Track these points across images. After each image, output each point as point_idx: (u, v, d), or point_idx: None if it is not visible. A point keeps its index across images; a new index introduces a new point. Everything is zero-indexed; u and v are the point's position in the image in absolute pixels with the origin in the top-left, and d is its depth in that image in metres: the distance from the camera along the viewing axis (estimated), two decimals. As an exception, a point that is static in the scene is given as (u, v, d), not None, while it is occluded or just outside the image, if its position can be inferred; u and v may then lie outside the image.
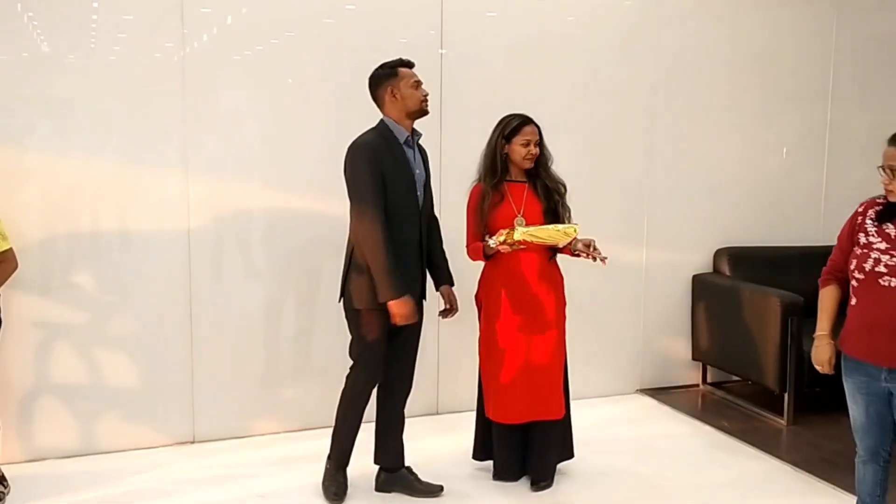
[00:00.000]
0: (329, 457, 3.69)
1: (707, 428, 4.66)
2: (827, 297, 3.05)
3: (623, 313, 5.18)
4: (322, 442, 4.21)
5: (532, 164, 3.70)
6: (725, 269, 5.21)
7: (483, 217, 3.67)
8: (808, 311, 3.17)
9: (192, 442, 4.31)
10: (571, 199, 3.80)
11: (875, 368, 2.86)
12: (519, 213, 3.67)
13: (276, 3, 4.26)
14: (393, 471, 3.74)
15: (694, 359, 5.33)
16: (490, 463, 3.90)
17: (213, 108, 4.21)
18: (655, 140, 5.12)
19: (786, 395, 4.63)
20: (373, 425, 3.73)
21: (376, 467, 3.77)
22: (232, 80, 4.24)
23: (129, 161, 4.08)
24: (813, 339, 3.06)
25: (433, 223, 3.73)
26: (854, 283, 2.91)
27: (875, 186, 2.92)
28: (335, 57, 4.37)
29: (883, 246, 2.84)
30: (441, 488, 3.73)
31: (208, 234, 4.25)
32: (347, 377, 3.61)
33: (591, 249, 3.60)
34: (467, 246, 3.75)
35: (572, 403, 3.91)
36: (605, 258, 3.62)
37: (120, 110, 4.05)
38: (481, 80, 4.65)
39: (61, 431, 4.09)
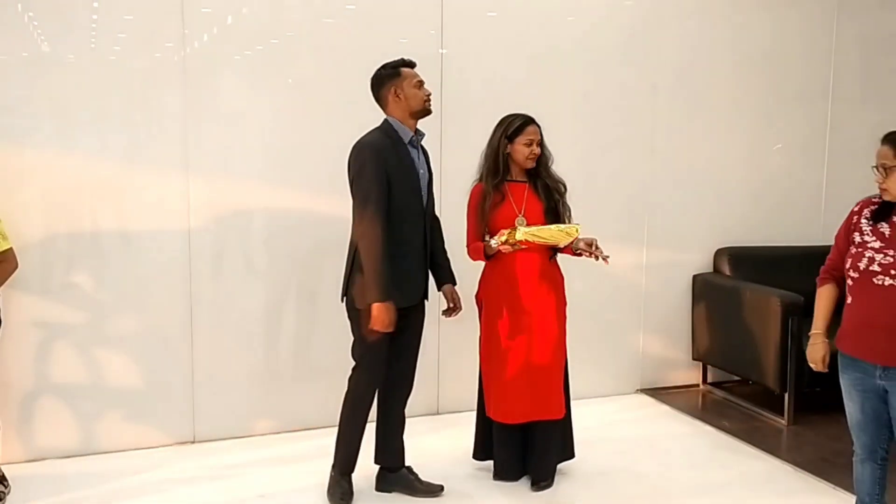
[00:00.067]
0: (333, 465, 3.65)
1: (707, 428, 4.66)
2: (823, 297, 3.08)
3: (623, 313, 5.18)
4: (322, 442, 4.22)
5: (534, 164, 3.71)
6: (726, 268, 5.21)
7: (484, 217, 3.67)
8: (809, 311, 3.17)
9: (193, 442, 4.31)
10: (572, 199, 3.80)
11: (870, 366, 2.88)
12: (520, 212, 3.67)
13: (277, 3, 4.26)
14: (393, 470, 3.74)
15: (694, 359, 5.33)
16: (490, 463, 3.90)
17: (214, 107, 4.21)
18: (656, 140, 5.12)
19: (786, 395, 4.63)
20: (373, 425, 3.73)
21: (377, 467, 3.76)
22: (232, 80, 4.24)
23: (129, 161, 4.09)
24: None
25: (435, 223, 3.73)
26: (850, 281, 2.93)
27: (875, 186, 2.92)
28: (335, 57, 4.36)
29: (877, 245, 2.85)
30: (441, 488, 3.73)
31: (208, 234, 4.25)
32: (350, 379, 3.60)
33: (594, 248, 3.61)
34: (468, 246, 3.75)
35: (573, 403, 3.91)
36: (608, 257, 3.62)
37: (120, 110, 4.05)
38: (481, 80, 4.65)
39: (61, 431, 4.09)
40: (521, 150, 3.67)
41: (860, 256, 2.87)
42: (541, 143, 3.71)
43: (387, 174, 3.39)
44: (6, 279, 3.53)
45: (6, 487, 3.63)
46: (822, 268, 3.11)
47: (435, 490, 3.72)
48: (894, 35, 5.60)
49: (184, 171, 4.16)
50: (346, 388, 3.59)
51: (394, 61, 3.50)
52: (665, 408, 4.99)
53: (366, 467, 3.73)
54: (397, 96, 3.46)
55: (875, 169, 2.87)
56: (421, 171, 3.54)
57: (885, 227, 2.87)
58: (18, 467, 3.90)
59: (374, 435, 3.72)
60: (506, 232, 3.54)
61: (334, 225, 4.06)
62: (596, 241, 3.64)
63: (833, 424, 4.45)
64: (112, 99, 4.03)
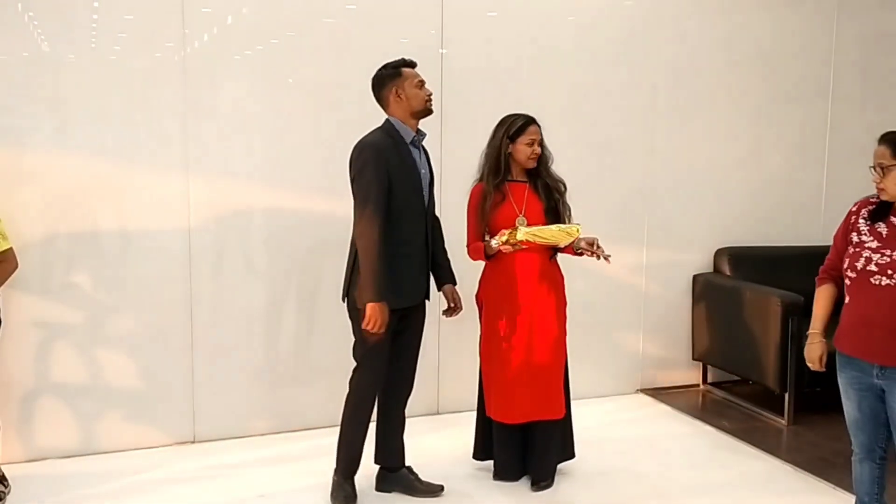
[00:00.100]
0: (336, 469, 3.63)
1: (707, 428, 4.66)
2: (822, 296, 3.09)
3: (624, 313, 5.18)
4: (322, 441, 4.22)
5: (535, 164, 3.71)
6: (726, 268, 5.21)
7: (484, 217, 3.67)
8: (809, 311, 3.18)
9: (193, 442, 4.31)
10: (572, 199, 3.80)
11: (867, 365, 2.89)
12: (520, 212, 3.67)
13: (277, 3, 4.26)
14: (393, 470, 3.74)
15: (694, 359, 5.33)
16: (490, 463, 3.90)
17: (214, 107, 4.21)
18: (656, 140, 5.12)
19: (786, 395, 4.63)
20: (373, 425, 3.72)
21: (377, 467, 3.76)
22: (232, 80, 4.23)
23: (129, 161, 4.08)
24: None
25: (435, 223, 3.73)
26: (847, 281, 2.94)
27: (874, 186, 2.93)
28: (335, 57, 4.36)
29: (874, 245, 2.87)
30: (441, 488, 3.73)
31: (209, 234, 4.25)
32: (351, 380, 3.59)
33: (595, 248, 3.61)
34: (468, 246, 3.75)
35: (573, 403, 3.91)
36: (609, 256, 3.62)
37: (120, 110, 4.05)
38: (482, 79, 4.65)
39: (61, 431, 4.09)
40: (523, 150, 3.67)
41: (857, 256, 2.88)
42: (541, 143, 3.72)
43: (388, 174, 3.39)
44: (6, 279, 3.53)
45: (6, 487, 3.63)
46: (821, 268, 3.12)
47: (435, 490, 3.72)
48: (894, 35, 5.60)
49: (184, 170, 4.16)
50: (347, 389, 3.58)
51: (395, 61, 3.50)
52: (665, 408, 4.99)
53: (366, 467, 3.73)
54: (398, 96, 3.46)
55: (872, 169, 2.88)
56: (422, 171, 3.54)
57: (882, 227, 2.88)
58: (19, 467, 3.90)
59: (374, 435, 3.72)
60: (506, 232, 3.54)
61: (334, 224, 4.06)
62: (597, 240, 3.64)
63: (833, 424, 4.43)
64: (112, 99, 4.03)
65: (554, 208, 3.73)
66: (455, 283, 3.76)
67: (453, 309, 3.76)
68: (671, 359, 5.32)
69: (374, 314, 3.34)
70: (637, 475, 4.00)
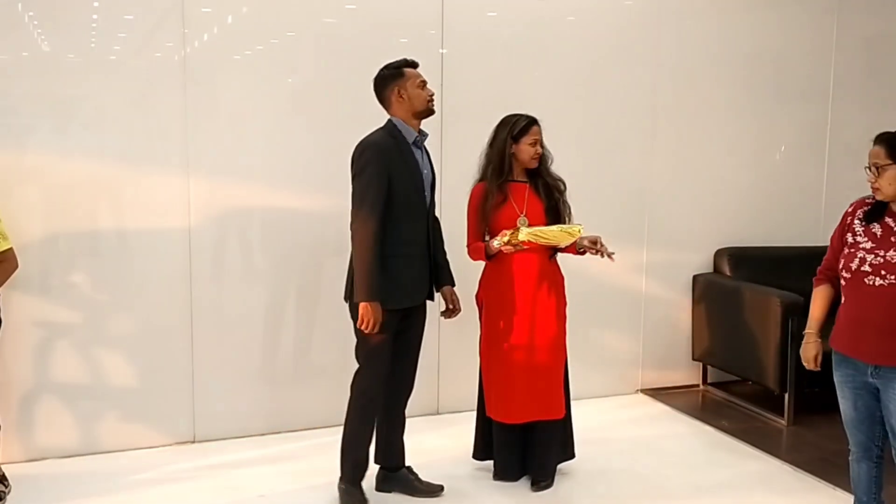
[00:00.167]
0: (342, 477, 3.59)
1: (707, 428, 4.66)
2: (818, 297, 3.11)
3: (624, 313, 5.18)
4: (322, 441, 4.23)
5: (537, 164, 3.71)
6: (726, 269, 5.21)
7: (485, 217, 3.67)
8: (808, 312, 3.20)
9: (193, 441, 4.31)
10: (572, 199, 3.81)
11: (862, 364, 2.91)
12: (521, 212, 3.67)
13: (277, 2, 4.25)
14: (393, 470, 3.74)
15: (694, 359, 5.33)
16: (490, 463, 3.90)
17: (214, 107, 4.21)
18: (656, 140, 5.12)
19: (786, 396, 4.63)
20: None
21: (377, 467, 3.76)
22: (232, 80, 4.23)
23: (129, 160, 4.08)
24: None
25: (435, 224, 3.73)
26: (842, 282, 2.97)
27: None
28: (335, 56, 4.36)
29: (868, 245, 2.89)
30: (441, 488, 3.73)
31: (209, 234, 4.25)
32: (354, 384, 3.55)
33: (599, 246, 3.61)
34: (468, 246, 3.75)
35: (573, 403, 3.91)
36: (613, 253, 3.62)
37: (120, 110, 4.05)
38: (482, 79, 4.65)
39: (62, 431, 4.09)
40: (526, 150, 3.67)
41: (852, 257, 2.91)
42: (541, 143, 3.72)
43: (390, 175, 3.38)
44: (6, 279, 3.52)
45: (6, 487, 3.63)
46: (818, 268, 3.15)
47: (435, 490, 3.72)
48: (894, 35, 5.59)
49: (184, 170, 4.16)
50: (347, 389, 3.56)
51: (397, 61, 3.49)
52: (665, 408, 4.99)
53: (366, 467, 3.73)
54: (400, 97, 3.45)
55: (868, 169, 2.90)
56: (424, 171, 3.53)
57: (876, 228, 2.90)
58: (19, 467, 3.90)
59: (374, 435, 3.72)
60: (508, 232, 3.54)
61: (335, 224, 4.06)
62: (600, 238, 3.65)
63: (833, 425, 4.42)
64: (112, 98, 4.03)
65: (554, 208, 3.73)
66: (454, 285, 3.76)
67: (451, 311, 3.76)
68: (671, 359, 5.32)
69: (367, 314, 3.34)
70: (637, 475, 4.00)
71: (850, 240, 2.95)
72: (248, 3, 4.21)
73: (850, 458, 3.11)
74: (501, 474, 3.85)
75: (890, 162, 2.83)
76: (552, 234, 3.55)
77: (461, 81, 4.58)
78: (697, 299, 5.26)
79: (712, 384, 5.32)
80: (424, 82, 3.50)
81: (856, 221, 2.97)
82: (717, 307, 5.11)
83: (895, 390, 2.85)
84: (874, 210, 2.93)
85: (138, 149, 4.09)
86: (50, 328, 4.04)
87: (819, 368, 3.09)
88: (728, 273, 5.19)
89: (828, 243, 3.12)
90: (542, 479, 3.80)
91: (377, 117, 3.52)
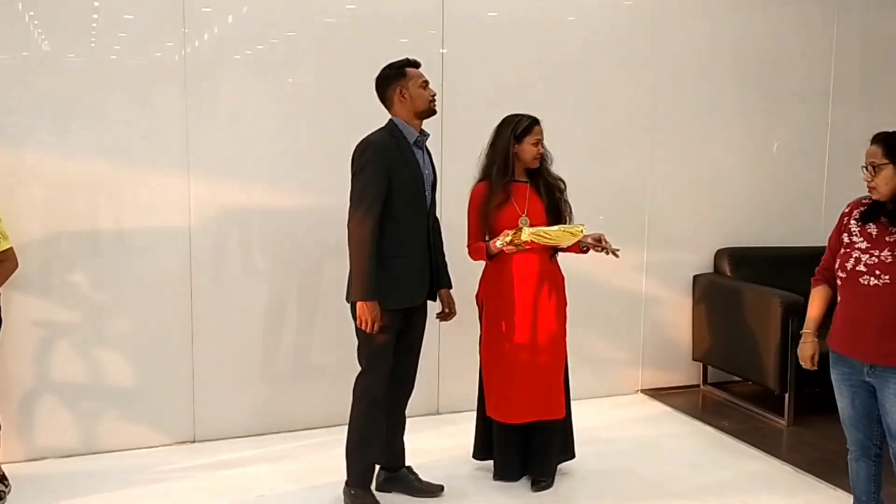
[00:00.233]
0: (349, 481, 3.56)
1: (708, 428, 4.66)
2: (816, 297, 3.14)
3: (624, 313, 5.18)
4: (323, 441, 4.23)
5: (539, 164, 3.71)
6: (726, 269, 5.21)
7: (487, 217, 3.66)
8: (808, 312, 3.22)
9: (193, 441, 4.31)
10: (572, 199, 3.80)
11: (858, 363, 2.94)
12: (523, 212, 3.67)
13: (277, 2, 4.26)
14: (393, 470, 3.74)
15: (695, 359, 5.33)
16: (490, 463, 3.90)
17: (214, 107, 4.21)
18: (656, 140, 5.12)
19: (786, 396, 4.63)
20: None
21: (377, 467, 3.75)
22: (233, 80, 4.23)
23: (129, 160, 4.08)
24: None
25: (435, 224, 3.72)
26: (838, 281, 3.00)
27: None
28: (336, 56, 4.36)
29: (864, 245, 2.91)
30: (441, 488, 3.73)
31: (209, 234, 4.25)
32: (357, 387, 3.52)
33: (603, 243, 3.61)
34: (468, 246, 3.75)
35: (573, 404, 3.91)
36: (618, 250, 3.63)
37: (121, 109, 4.05)
38: (482, 79, 4.65)
39: (62, 430, 4.09)
40: (529, 150, 3.67)
41: (848, 257, 2.94)
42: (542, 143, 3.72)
43: (390, 174, 3.38)
44: (6, 279, 3.52)
45: (6, 487, 3.63)
46: (816, 269, 3.18)
47: (435, 490, 3.72)
48: (894, 35, 5.59)
49: (184, 170, 4.16)
50: (347, 389, 3.55)
51: (399, 61, 3.48)
52: (665, 408, 4.99)
53: (366, 467, 3.73)
54: (402, 96, 3.44)
55: (864, 168, 2.93)
56: (426, 171, 3.52)
57: (872, 228, 2.93)
58: (19, 466, 3.90)
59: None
60: (510, 232, 3.53)
61: (335, 224, 4.04)
62: (603, 235, 3.65)
63: (833, 425, 4.41)
64: (112, 98, 4.03)
65: (555, 207, 3.73)
66: (451, 287, 3.75)
67: (447, 314, 3.76)
68: (671, 359, 5.31)
69: (364, 313, 3.34)
70: (637, 475, 4.00)
71: (845, 240, 2.98)
72: (248, 3, 4.21)
73: (848, 457, 3.13)
74: (501, 474, 3.85)
75: (886, 161, 2.87)
76: (555, 234, 3.55)
77: (461, 81, 4.58)
78: (698, 299, 5.25)
79: (712, 384, 5.32)
80: (426, 82, 3.49)
81: (852, 222, 3.00)
82: (717, 307, 5.11)
83: (891, 389, 2.87)
84: (870, 210, 2.96)
85: (138, 148, 4.09)
86: (50, 328, 4.04)
87: (816, 367, 3.13)
88: (728, 273, 5.19)
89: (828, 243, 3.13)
90: (543, 479, 3.80)
91: (378, 117, 3.52)
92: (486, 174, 3.73)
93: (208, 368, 4.30)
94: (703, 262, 5.31)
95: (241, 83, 4.25)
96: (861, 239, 2.93)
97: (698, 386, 5.35)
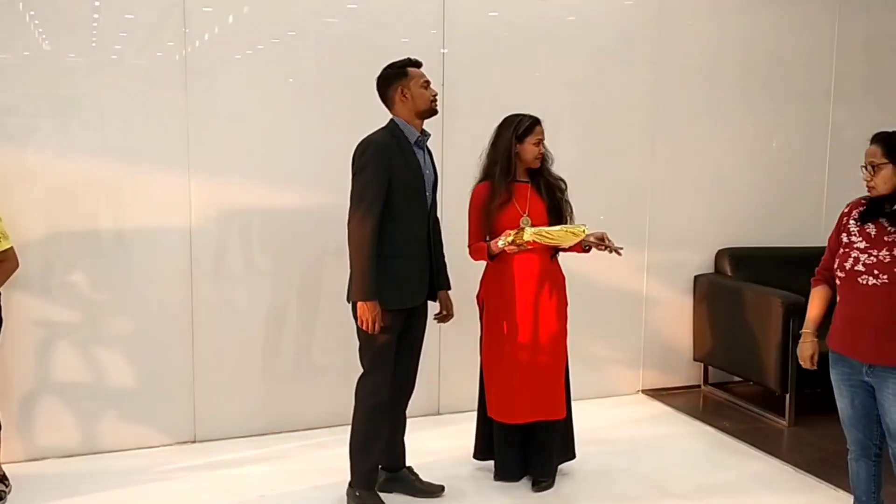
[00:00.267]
0: (354, 482, 3.54)
1: (708, 428, 4.66)
2: (815, 297, 3.15)
3: (624, 314, 5.18)
4: (323, 441, 4.23)
5: (540, 164, 3.71)
6: (727, 269, 5.21)
7: (489, 217, 3.66)
8: (808, 312, 3.22)
9: (193, 441, 4.31)
10: (573, 200, 3.80)
11: (857, 363, 2.95)
12: (524, 212, 3.67)
13: (278, 2, 4.25)
14: (394, 471, 3.73)
15: (695, 359, 5.33)
16: (491, 463, 3.90)
17: (215, 106, 4.21)
18: (657, 140, 5.12)
19: (787, 396, 4.63)
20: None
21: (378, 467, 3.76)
22: (233, 79, 4.23)
23: (130, 160, 4.08)
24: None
25: (435, 224, 3.72)
26: (837, 281, 3.01)
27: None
28: (337, 56, 4.36)
29: (863, 245, 2.93)
30: (442, 488, 3.73)
31: (210, 233, 4.25)
32: (360, 389, 3.50)
33: (606, 241, 3.62)
34: (469, 246, 3.74)
35: (574, 404, 3.91)
36: (621, 248, 3.63)
37: (122, 109, 4.05)
38: (483, 79, 4.65)
39: (62, 430, 4.09)
40: (530, 150, 3.67)
41: (846, 256, 2.95)
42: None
43: (391, 175, 3.37)
44: (7, 278, 3.52)
45: (7, 487, 3.63)
46: (816, 269, 3.19)
47: (435, 490, 3.72)
48: (895, 35, 5.59)
49: (184, 169, 4.16)
50: (347, 388, 3.54)
51: (400, 61, 3.48)
52: (666, 408, 4.99)
53: (366, 467, 3.73)
54: (404, 96, 3.44)
55: (863, 168, 2.95)
56: (427, 172, 3.51)
57: (871, 228, 2.94)
58: (19, 466, 3.90)
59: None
60: (512, 233, 3.53)
61: (336, 224, 4.04)
62: (606, 234, 3.65)
63: (834, 425, 4.40)
64: (113, 98, 4.03)
65: (556, 207, 3.73)
66: (450, 288, 3.74)
67: (445, 316, 3.75)
68: (672, 359, 5.31)
69: (364, 313, 3.33)
70: (638, 475, 4.00)
71: (844, 240, 3.00)
72: (249, 3, 4.21)
73: (848, 457, 3.14)
74: (502, 474, 3.85)
75: (886, 161, 2.89)
76: (557, 234, 3.55)
77: (462, 81, 4.58)
78: (698, 300, 5.25)
79: (713, 384, 5.32)
80: (428, 82, 3.48)
81: (851, 222, 3.01)
82: (718, 307, 5.11)
83: (889, 389, 2.88)
84: (869, 210, 2.97)
85: (139, 148, 4.09)
86: (50, 328, 4.04)
87: (815, 367, 3.14)
88: (729, 273, 5.19)
89: (829, 244, 3.14)
90: (543, 480, 3.80)
91: (379, 117, 3.52)
92: (487, 174, 3.73)
93: (209, 368, 4.29)
94: (704, 263, 5.31)
95: (241, 83, 4.25)
96: (860, 239, 2.95)
97: (699, 386, 5.35)
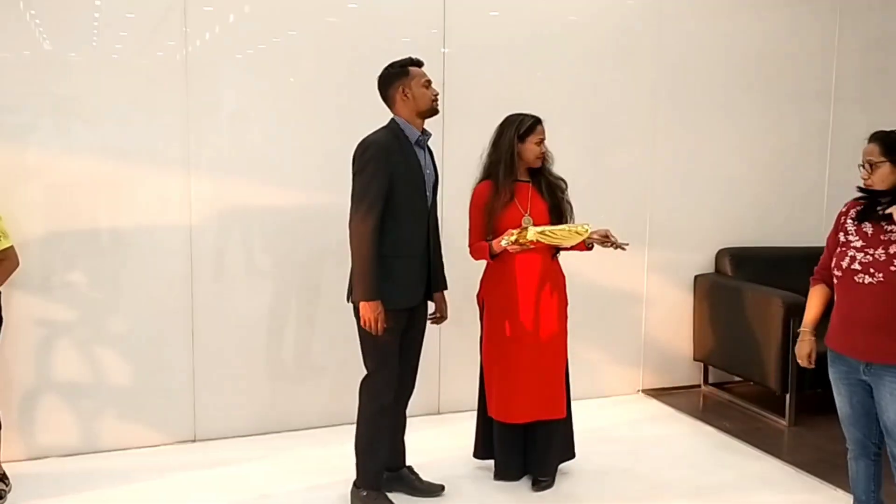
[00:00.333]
0: (361, 483, 3.53)
1: (708, 429, 4.66)
2: (814, 296, 3.18)
3: (625, 313, 5.18)
4: (324, 440, 4.23)
5: (541, 163, 3.71)
6: (727, 269, 5.21)
7: (491, 217, 3.65)
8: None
9: (194, 441, 4.31)
10: (574, 199, 3.80)
11: (855, 361, 2.97)
12: (525, 212, 3.67)
13: (279, 2, 4.25)
14: (394, 470, 3.73)
15: (696, 359, 5.33)
16: (491, 462, 3.90)
17: (216, 106, 4.21)
18: (657, 140, 5.12)
19: (787, 396, 4.63)
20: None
21: (378, 466, 3.76)
22: (234, 79, 4.24)
23: (131, 159, 4.08)
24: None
25: (434, 225, 3.70)
26: (835, 280, 3.03)
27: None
28: (337, 55, 4.36)
29: (859, 244, 2.95)
30: (442, 488, 3.73)
31: (210, 233, 4.25)
32: (364, 391, 3.49)
33: (610, 238, 3.62)
34: (470, 245, 3.74)
35: (574, 404, 3.91)
36: (627, 244, 3.64)
37: (122, 108, 4.05)
38: (484, 79, 4.65)
39: (62, 429, 4.09)
40: (532, 150, 3.67)
41: (843, 255, 2.97)
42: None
43: (392, 174, 3.36)
44: (7, 277, 3.53)
45: (7, 486, 3.64)
46: (815, 268, 3.21)
47: (436, 490, 3.72)
48: (895, 35, 5.61)
49: (185, 169, 4.16)
50: (359, 399, 3.50)
51: (402, 60, 3.47)
52: (666, 408, 4.99)
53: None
54: (405, 95, 3.43)
55: (861, 166, 2.98)
56: (427, 171, 3.51)
57: (867, 227, 2.96)
58: (20, 465, 3.90)
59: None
60: (515, 232, 3.52)
61: (336, 224, 4.04)
62: (609, 231, 3.65)
63: (834, 426, 4.40)
64: (114, 97, 4.03)
65: (557, 207, 3.73)
66: (446, 289, 3.74)
67: (438, 318, 3.74)
68: (672, 359, 5.31)
69: (367, 313, 3.32)
70: (638, 475, 4.00)
71: (842, 239, 3.02)
72: (249, 2, 4.21)
73: (848, 456, 3.15)
74: (502, 474, 3.85)
75: (883, 159, 2.92)
76: (560, 233, 3.54)
77: (463, 81, 4.58)
78: (699, 299, 5.25)
79: (713, 384, 5.32)
80: (429, 81, 3.48)
81: (848, 221, 3.03)
82: (718, 307, 5.11)
83: (886, 387, 2.90)
84: (866, 210, 2.99)
85: (140, 147, 4.09)
86: (51, 327, 4.04)
87: (813, 366, 3.16)
88: (730, 273, 5.19)
89: (830, 244, 3.15)
90: (543, 479, 3.80)
91: (379, 116, 3.51)
92: (489, 173, 3.72)
93: (209, 367, 4.30)
94: (704, 262, 5.31)
95: (242, 82, 4.25)
96: (857, 238, 2.96)
97: (699, 386, 5.35)
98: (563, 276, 3.80)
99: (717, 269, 5.29)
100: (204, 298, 4.26)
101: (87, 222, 4.06)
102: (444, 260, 3.72)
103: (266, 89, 4.29)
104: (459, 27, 4.58)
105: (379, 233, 3.34)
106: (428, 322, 3.74)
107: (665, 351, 5.29)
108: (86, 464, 4.02)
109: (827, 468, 4.02)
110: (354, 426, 3.54)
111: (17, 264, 3.57)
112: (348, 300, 3.50)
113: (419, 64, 3.49)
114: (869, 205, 2.98)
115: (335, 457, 3.96)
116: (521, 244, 3.51)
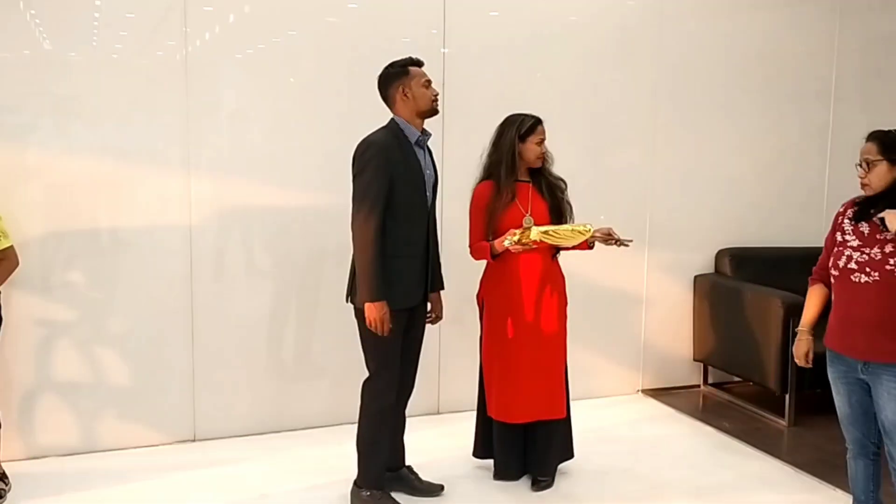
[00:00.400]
0: (364, 484, 3.52)
1: (708, 429, 4.66)
2: (812, 296, 3.19)
3: (625, 314, 5.18)
4: (324, 440, 4.23)
5: (541, 163, 3.71)
6: (727, 269, 5.21)
7: (492, 217, 3.65)
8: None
9: (193, 440, 4.31)
10: (573, 199, 3.80)
11: (853, 361, 2.98)
12: (526, 212, 3.67)
13: (279, 1, 4.25)
14: (394, 470, 3.73)
15: (695, 359, 5.33)
16: (490, 462, 3.90)
17: (216, 106, 4.21)
18: (657, 140, 5.12)
19: (787, 397, 4.63)
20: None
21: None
22: (234, 79, 4.24)
23: (131, 159, 4.09)
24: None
25: (433, 225, 3.70)
26: (832, 280, 3.04)
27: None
28: (337, 55, 4.36)
29: (856, 243, 2.96)
30: (442, 488, 3.73)
31: (210, 233, 4.25)
32: (366, 392, 3.49)
33: (614, 236, 3.63)
34: (471, 245, 3.74)
35: (574, 404, 3.91)
36: (631, 240, 3.64)
37: (122, 108, 4.05)
38: (484, 79, 4.65)
39: (62, 429, 4.09)
40: (532, 150, 3.67)
41: (840, 255, 2.99)
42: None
43: (392, 174, 3.36)
44: (7, 277, 3.53)
45: (7, 485, 3.64)
46: (813, 268, 3.22)
47: (435, 490, 3.72)
48: (895, 36, 5.61)
49: (185, 169, 4.16)
50: (361, 400, 3.50)
51: (402, 60, 3.46)
52: (666, 408, 4.99)
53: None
54: (405, 95, 3.42)
55: (858, 165, 2.98)
56: (427, 171, 3.50)
57: (864, 227, 2.97)
58: (19, 465, 3.90)
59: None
60: (517, 232, 3.52)
61: (336, 224, 4.05)
62: (612, 229, 3.65)
63: (833, 426, 4.40)
64: (114, 97, 4.03)
65: (557, 207, 3.73)
66: (442, 289, 3.73)
67: (433, 319, 3.72)
68: (672, 359, 5.31)
69: (373, 314, 3.31)
70: (637, 475, 4.00)
71: (839, 238, 3.03)
72: (249, 2, 4.21)
73: (847, 456, 3.16)
74: (502, 473, 3.85)
75: (881, 158, 2.93)
76: (563, 233, 3.55)
77: (463, 81, 4.58)
78: (699, 300, 5.25)
79: (714, 385, 5.32)
80: (429, 81, 3.47)
81: (846, 221, 3.04)
82: (718, 308, 5.11)
83: (884, 386, 2.90)
84: (863, 209, 2.99)
85: (140, 147, 4.09)
86: (51, 326, 4.04)
87: (811, 365, 3.18)
88: (729, 273, 5.19)
89: (829, 244, 3.16)
90: (543, 479, 3.80)
91: (379, 116, 3.51)
92: (490, 173, 3.72)
93: (209, 367, 4.30)
94: (704, 263, 5.31)
95: (242, 82, 4.25)
96: (853, 237, 2.98)
97: (699, 386, 5.35)
98: (563, 277, 3.80)
99: (717, 270, 5.29)
100: (204, 298, 4.26)
101: (87, 222, 4.06)
102: (443, 260, 3.73)
103: (266, 89, 4.29)
104: (459, 27, 4.58)
105: (382, 233, 3.34)
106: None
107: (665, 351, 5.29)
108: (85, 463, 4.02)
109: (826, 468, 4.02)
110: (354, 426, 3.54)
111: (17, 264, 3.57)
112: (347, 300, 3.50)
113: (419, 64, 3.48)
114: (865, 205, 2.99)
115: (334, 457, 3.96)
116: (523, 244, 3.51)
